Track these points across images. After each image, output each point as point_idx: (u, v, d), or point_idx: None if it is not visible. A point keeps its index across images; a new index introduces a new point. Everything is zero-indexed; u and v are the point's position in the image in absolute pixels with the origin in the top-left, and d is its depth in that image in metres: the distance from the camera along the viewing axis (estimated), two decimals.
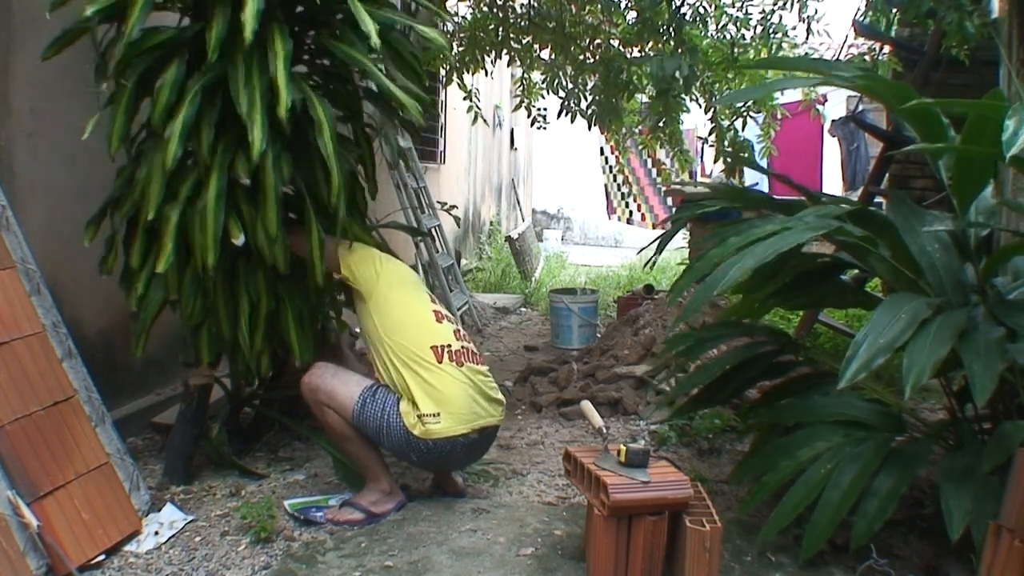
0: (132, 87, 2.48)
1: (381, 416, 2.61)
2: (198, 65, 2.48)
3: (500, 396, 2.78)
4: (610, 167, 10.91)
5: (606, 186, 11.06)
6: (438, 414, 2.58)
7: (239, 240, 2.49)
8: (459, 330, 2.81)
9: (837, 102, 8.85)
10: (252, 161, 2.39)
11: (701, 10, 4.43)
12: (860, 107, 7.40)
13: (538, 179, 14.92)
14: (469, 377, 2.66)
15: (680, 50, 4.09)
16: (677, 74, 3.95)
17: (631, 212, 10.89)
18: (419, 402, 2.59)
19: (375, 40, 2.43)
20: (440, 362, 2.62)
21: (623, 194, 10.93)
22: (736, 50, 4.63)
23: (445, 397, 2.60)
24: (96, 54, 2.56)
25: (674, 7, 3.99)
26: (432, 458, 2.66)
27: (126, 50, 2.38)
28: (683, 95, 4.51)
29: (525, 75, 5.72)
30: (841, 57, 5.41)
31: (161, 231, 2.50)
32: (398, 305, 2.71)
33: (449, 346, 2.67)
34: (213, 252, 2.45)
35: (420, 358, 2.62)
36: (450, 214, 5.36)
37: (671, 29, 4.15)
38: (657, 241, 3.06)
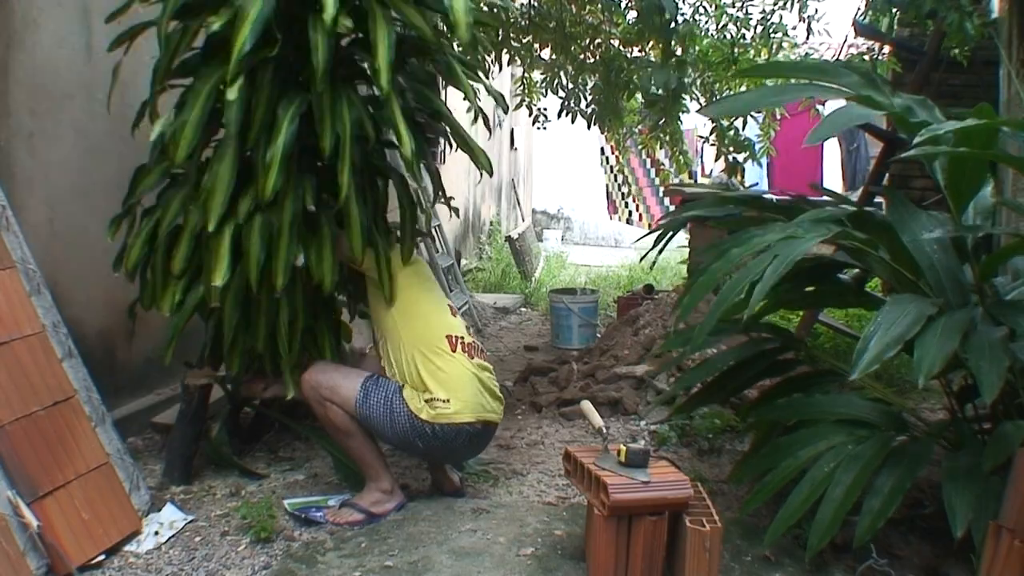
0: (206, 97, 2.46)
1: (385, 403, 2.62)
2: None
3: (500, 395, 2.80)
4: (610, 167, 10.91)
5: (607, 186, 11.06)
6: (448, 400, 2.61)
7: (300, 261, 2.53)
8: (468, 327, 2.86)
9: (837, 102, 8.84)
10: (340, 200, 2.48)
11: (702, 9, 4.43)
12: None
13: (538, 179, 14.90)
14: (478, 370, 2.71)
15: (672, 60, 4.10)
16: (664, 89, 3.97)
17: (630, 212, 10.90)
18: (429, 387, 2.62)
19: (473, 102, 2.60)
20: (454, 351, 2.67)
21: (623, 194, 10.94)
22: (736, 50, 4.63)
23: (455, 384, 2.63)
24: (163, 54, 2.53)
25: (665, 19, 3.98)
26: (437, 445, 2.65)
27: (236, 66, 2.31)
28: (670, 111, 4.51)
29: (525, 75, 5.72)
30: (841, 57, 5.41)
31: (214, 244, 2.48)
32: (417, 295, 2.77)
33: (462, 338, 2.73)
34: (283, 275, 2.49)
35: (435, 345, 2.66)
36: (448, 206, 5.33)
37: (661, 41, 4.15)
38: (658, 239, 3.07)
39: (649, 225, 10.41)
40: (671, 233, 3.10)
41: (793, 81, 2.86)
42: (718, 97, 5.02)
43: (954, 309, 2.27)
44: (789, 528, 2.33)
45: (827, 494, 2.27)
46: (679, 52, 4.20)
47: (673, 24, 4.06)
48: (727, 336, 3.11)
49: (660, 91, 3.98)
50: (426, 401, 2.61)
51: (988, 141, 2.16)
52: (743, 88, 5.03)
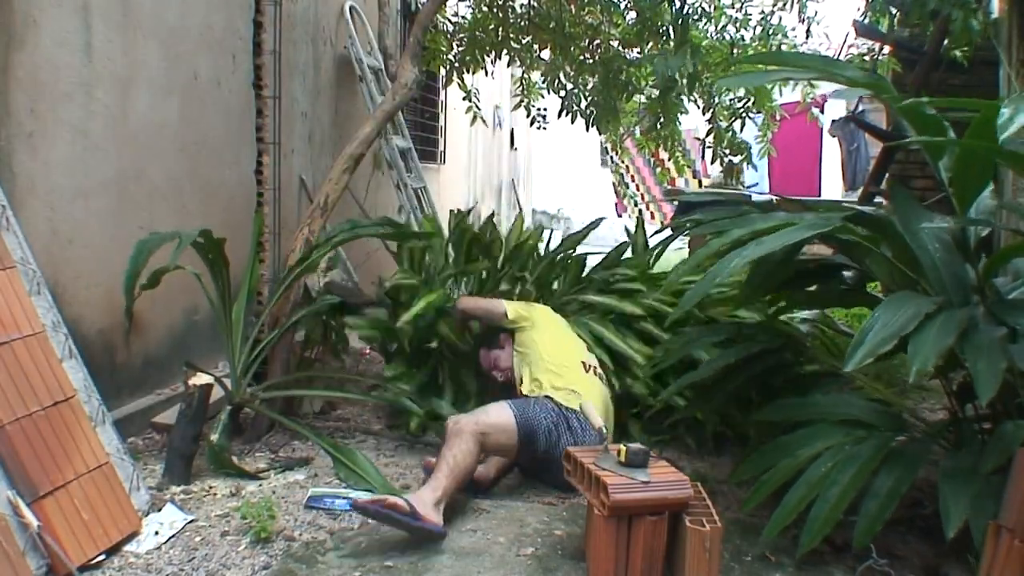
0: None
1: (535, 405, 2.87)
2: None
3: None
4: (615, 165, 10.93)
5: (614, 184, 11.08)
6: (585, 397, 2.91)
7: None
8: (598, 362, 3.27)
9: (837, 102, 8.84)
10: None
11: (703, 8, 4.43)
12: (860, 107, 7.40)
13: (538, 179, 14.90)
14: (607, 393, 3.11)
15: (684, 48, 4.10)
16: (679, 74, 3.96)
17: (640, 211, 10.92)
18: (565, 386, 2.96)
19: None
20: (587, 372, 3.09)
21: (629, 193, 10.95)
22: (736, 51, 4.64)
23: (587, 392, 2.95)
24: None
25: (676, 7, 3.99)
26: (577, 434, 2.82)
27: None
28: (684, 95, 4.51)
29: (525, 75, 5.72)
30: (841, 58, 5.41)
31: None
32: (557, 333, 3.25)
33: (595, 366, 3.18)
34: None
35: (570, 367, 3.06)
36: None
37: (673, 28, 4.15)
38: (655, 244, 3.08)
39: (662, 223, 10.41)
40: (675, 235, 3.11)
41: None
42: (717, 98, 5.02)
43: (954, 308, 2.27)
44: (786, 528, 2.34)
45: (822, 494, 2.27)
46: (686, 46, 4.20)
47: (684, 14, 4.07)
48: (726, 336, 3.10)
49: (679, 74, 3.98)
50: (563, 394, 2.91)
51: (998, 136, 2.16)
52: (741, 90, 5.04)
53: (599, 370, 3.20)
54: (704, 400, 3.01)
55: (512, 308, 3.32)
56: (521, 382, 3.16)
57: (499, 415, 2.79)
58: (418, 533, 2.44)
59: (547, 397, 2.91)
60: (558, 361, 3.08)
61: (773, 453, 2.51)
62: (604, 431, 2.67)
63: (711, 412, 3.20)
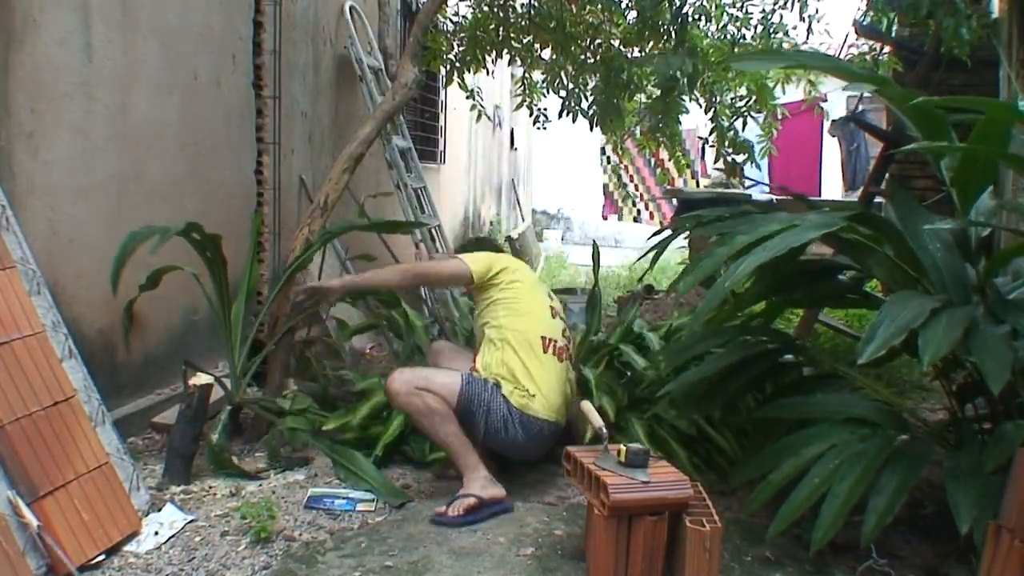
0: None
1: (485, 390, 2.78)
2: None
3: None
4: (612, 166, 10.93)
5: (605, 185, 11.07)
6: (535, 395, 2.81)
7: None
8: (566, 329, 3.04)
9: (837, 102, 8.84)
10: None
11: (704, 7, 4.42)
12: (860, 107, 7.41)
13: (538, 179, 14.91)
14: (564, 373, 2.93)
15: (683, 48, 4.09)
16: (680, 73, 3.96)
17: (639, 211, 10.93)
18: (520, 379, 2.81)
19: None
20: (545, 352, 2.87)
21: (628, 194, 10.96)
22: (736, 49, 4.63)
23: (541, 383, 2.83)
24: None
25: (675, 7, 3.99)
26: (522, 435, 2.79)
27: None
28: (684, 95, 4.51)
29: (526, 75, 5.72)
30: (841, 57, 5.40)
31: None
32: (520, 294, 2.95)
33: (555, 341, 2.92)
34: None
35: (530, 343, 2.85)
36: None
37: (672, 29, 4.15)
38: (655, 244, 3.07)
39: (661, 223, 10.41)
40: (675, 235, 3.11)
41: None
42: (717, 98, 5.02)
43: (956, 306, 2.27)
44: (791, 525, 2.33)
45: (832, 489, 2.26)
46: (685, 45, 4.20)
47: (682, 14, 4.06)
48: (728, 339, 3.10)
49: (679, 73, 3.99)
50: (515, 389, 2.79)
51: (1003, 139, 2.16)
52: (743, 88, 5.04)
53: (559, 345, 2.93)
54: (704, 403, 2.99)
55: (477, 266, 2.94)
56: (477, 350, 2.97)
57: (444, 382, 2.77)
58: (498, 513, 2.71)
59: (496, 385, 2.79)
60: (521, 333, 2.85)
61: (776, 454, 2.51)
62: (603, 431, 2.67)
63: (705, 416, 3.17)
